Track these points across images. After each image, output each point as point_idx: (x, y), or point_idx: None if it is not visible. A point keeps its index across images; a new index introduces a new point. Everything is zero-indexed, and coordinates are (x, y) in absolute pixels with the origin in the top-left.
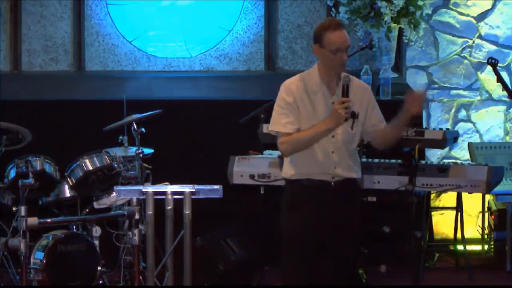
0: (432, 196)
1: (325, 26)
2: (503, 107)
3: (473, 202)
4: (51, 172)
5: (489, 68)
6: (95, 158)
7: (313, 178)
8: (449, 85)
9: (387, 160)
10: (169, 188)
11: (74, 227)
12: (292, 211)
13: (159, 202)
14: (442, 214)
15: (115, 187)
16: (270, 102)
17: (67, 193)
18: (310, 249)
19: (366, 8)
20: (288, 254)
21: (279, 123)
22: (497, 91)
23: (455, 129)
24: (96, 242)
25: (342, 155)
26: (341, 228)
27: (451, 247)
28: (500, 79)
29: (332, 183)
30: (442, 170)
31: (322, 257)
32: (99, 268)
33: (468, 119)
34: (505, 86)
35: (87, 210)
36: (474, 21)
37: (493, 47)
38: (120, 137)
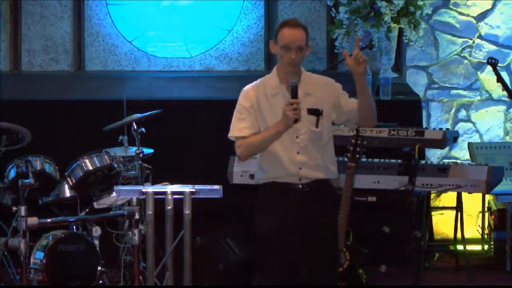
0: (432, 196)
1: (284, 22)
2: (503, 107)
3: (473, 202)
4: (51, 172)
5: (489, 68)
6: (95, 158)
7: (279, 181)
8: (449, 85)
9: (387, 160)
10: (169, 188)
11: (74, 227)
12: (262, 213)
13: (159, 202)
14: (442, 214)
15: (115, 187)
16: None
17: (67, 193)
18: (283, 251)
19: (366, 8)
20: (263, 257)
21: (236, 128)
22: (497, 91)
23: (455, 129)
24: (96, 242)
25: (310, 154)
26: (314, 230)
27: (451, 247)
28: (500, 79)
29: (300, 185)
30: (442, 170)
31: (298, 259)
32: (99, 268)
33: (468, 119)
34: (505, 86)
35: (87, 210)
36: (474, 21)
37: (493, 47)
38: (120, 137)
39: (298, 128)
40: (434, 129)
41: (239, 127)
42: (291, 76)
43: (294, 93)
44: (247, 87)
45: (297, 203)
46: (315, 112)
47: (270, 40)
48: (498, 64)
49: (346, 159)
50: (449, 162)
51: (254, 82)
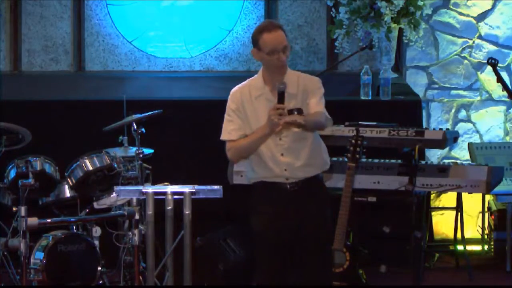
0: (432, 196)
1: (261, 29)
2: (503, 107)
3: (473, 202)
4: (51, 172)
5: (489, 68)
6: (95, 158)
7: (267, 181)
8: (449, 85)
9: (387, 160)
10: (169, 188)
11: (74, 227)
12: (254, 213)
13: (159, 202)
14: (442, 214)
15: (115, 187)
16: None
17: (67, 193)
18: (275, 251)
19: (366, 8)
20: (256, 257)
21: (225, 130)
22: (497, 91)
23: (455, 129)
24: (96, 242)
25: (295, 155)
26: (305, 229)
27: (451, 247)
28: (500, 79)
29: (288, 185)
30: (442, 170)
31: (290, 258)
32: (99, 268)
33: (468, 119)
34: (505, 86)
35: (87, 210)
36: (474, 21)
37: (493, 47)
38: (120, 137)
39: (280, 131)
40: (434, 129)
41: (228, 130)
42: (278, 81)
43: (280, 98)
44: (234, 88)
45: (287, 202)
46: (298, 112)
47: (252, 48)
48: (498, 64)
49: (346, 159)
50: (449, 162)
51: (242, 83)
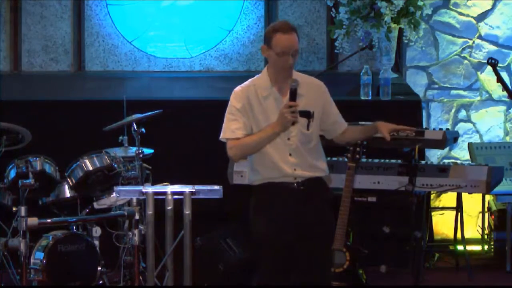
0: (432, 196)
1: (276, 28)
2: (503, 107)
3: (473, 202)
4: (51, 172)
5: (489, 68)
6: (95, 158)
7: (274, 182)
8: (449, 85)
9: (387, 160)
10: (169, 188)
11: (74, 227)
12: (258, 214)
13: (159, 202)
14: (442, 214)
15: (115, 188)
16: None
17: (67, 193)
18: (280, 251)
19: (366, 8)
20: (260, 257)
21: (228, 129)
22: (497, 91)
23: (455, 129)
24: (96, 242)
25: (301, 155)
26: (311, 227)
27: (451, 247)
28: (500, 79)
29: (295, 184)
30: (442, 170)
31: (295, 257)
32: (99, 268)
33: (468, 119)
34: (505, 86)
35: (87, 210)
36: (474, 21)
37: (493, 47)
38: (120, 137)
39: (290, 130)
40: (434, 129)
41: (232, 128)
42: (284, 82)
43: (293, 96)
44: (238, 88)
45: (294, 202)
46: (307, 114)
47: (263, 45)
48: (498, 64)
49: (346, 159)
50: (449, 162)
51: (244, 83)
